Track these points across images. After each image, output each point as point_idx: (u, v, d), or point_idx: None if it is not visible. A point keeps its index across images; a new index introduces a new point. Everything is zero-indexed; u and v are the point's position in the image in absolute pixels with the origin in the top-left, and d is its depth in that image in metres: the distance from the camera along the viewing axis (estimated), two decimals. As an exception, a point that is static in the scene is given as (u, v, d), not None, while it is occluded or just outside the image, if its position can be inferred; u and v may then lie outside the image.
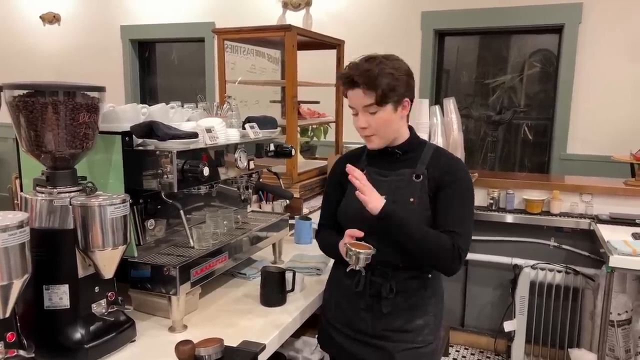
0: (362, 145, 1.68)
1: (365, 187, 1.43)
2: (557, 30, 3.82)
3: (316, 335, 1.77)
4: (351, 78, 1.46)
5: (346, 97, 1.54)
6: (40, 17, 5.44)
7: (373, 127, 1.49)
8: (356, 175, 1.43)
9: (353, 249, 1.42)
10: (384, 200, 1.43)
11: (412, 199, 1.49)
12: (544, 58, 4.01)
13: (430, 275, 1.56)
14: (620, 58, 3.58)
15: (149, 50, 5.37)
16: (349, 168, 1.44)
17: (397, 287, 1.51)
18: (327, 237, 1.67)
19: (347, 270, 1.47)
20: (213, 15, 4.69)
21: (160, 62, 5.40)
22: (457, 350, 3.44)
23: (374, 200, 1.42)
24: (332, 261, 1.72)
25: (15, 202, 1.59)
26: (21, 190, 1.46)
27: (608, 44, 3.60)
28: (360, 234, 1.48)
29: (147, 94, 5.35)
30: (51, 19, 5.41)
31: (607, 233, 2.68)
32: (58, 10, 5.39)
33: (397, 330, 1.53)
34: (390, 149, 1.55)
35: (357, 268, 1.43)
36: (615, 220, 2.89)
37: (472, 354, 3.41)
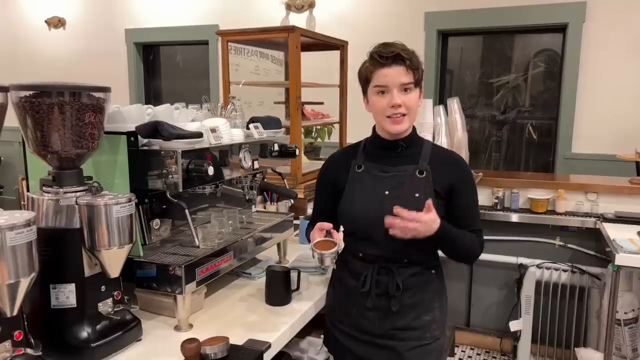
0: (354, 143, 1.68)
1: (417, 216, 1.38)
2: (561, 29, 3.81)
3: (321, 336, 1.78)
4: (397, 54, 1.44)
5: (368, 80, 1.49)
6: (46, 21, 5.48)
7: (406, 107, 1.48)
8: (404, 215, 1.37)
9: (317, 250, 1.42)
10: (438, 221, 1.41)
11: (417, 194, 1.49)
12: (548, 58, 4.00)
13: (434, 271, 1.58)
14: (625, 56, 3.57)
15: (154, 54, 5.39)
16: (398, 211, 1.37)
17: (402, 284, 1.51)
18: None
19: (315, 268, 1.47)
20: (217, 18, 4.71)
21: (165, 65, 5.43)
22: (462, 351, 3.43)
23: (430, 227, 1.40)
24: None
25: (22, 203, 1.60)
26: (28, 191, 1.47)
27: (612, 42, 3.59)
28: (330, 226, 1.48)
29: (152, 97, 5.38)
30: (56, 23, 5.45)
31: (612, 232, 2.68)
32: (63, 15, 5.43)
33: (404, 328, 1.53)
34: (394, 141, 1.55)
35: (324, 267, 1.43)
36: (621, 219, 2.88)
37: (477, 354, 3.40)
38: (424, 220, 1.38)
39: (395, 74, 1.45)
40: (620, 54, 3.58)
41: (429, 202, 1.39)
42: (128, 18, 5.17)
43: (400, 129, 1.50)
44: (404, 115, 1.48)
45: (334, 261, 1.43)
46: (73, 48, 5.44)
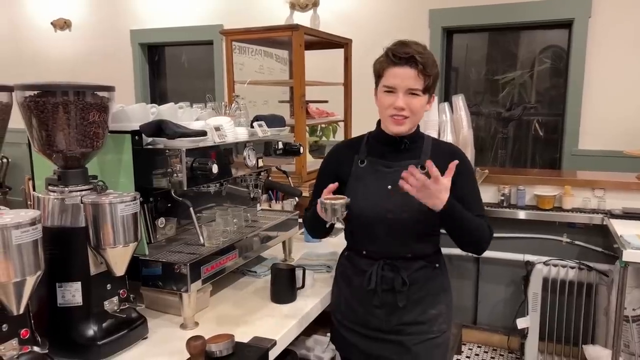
0: (358, 135, 1.68)
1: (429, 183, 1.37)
2: (567, 25, 3.79)
3: (327, 334, 1.77)
4: (412, 56, 1.41)
5: (380, 76, 1.48)
6: (52, 23, 5.51)
7: (409, 110, 1.46)
8: (417, 177, 1.36)
9: (327, 201, 1.42)
10: (447, 195, 1.39)
11: None
12: (553, 54, 3.98)
13: (437, 265, 1.58)
14: (631, 52, 3.54)
15: (159, 54, 5.41)
16: (411, 170, 1.37)
17: (408, 279, 1.51)
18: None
19: (327, 225, 1.49)
20: (221, 18, 4.72)
21: (170, 65, 5.44)
22: (469, 348, 3.42)
23: (441, 197, 1.38)
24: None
25: (29, 203, 1.62)
26: (34, 191, 1.48)
27: (618, 37, 3.56)
28: (335, 186, 1.46)
29: (158, 97, 5.39)
30: (62, 25, 5.48)
31: (620, 228, 2.66)
32: (69, 17, 5.46)
33: (412, 323, 1.54)
34: (398, 138, 1.54)
35: (334, 221, 1.43)
36: (628, 215, 2.86)
37: (485, 352, 3.39)
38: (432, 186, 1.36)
39: (405, 76, 1.43)
40: (626, 50, 3.55)
41: (431, 165, 1.36)
42: (133, 19, 5.19)
43: (399, 131, 1.50)
44: (406, 117, 1.47)
45: (344, 214, 1.42)
46: (79, 49, 5.47)
